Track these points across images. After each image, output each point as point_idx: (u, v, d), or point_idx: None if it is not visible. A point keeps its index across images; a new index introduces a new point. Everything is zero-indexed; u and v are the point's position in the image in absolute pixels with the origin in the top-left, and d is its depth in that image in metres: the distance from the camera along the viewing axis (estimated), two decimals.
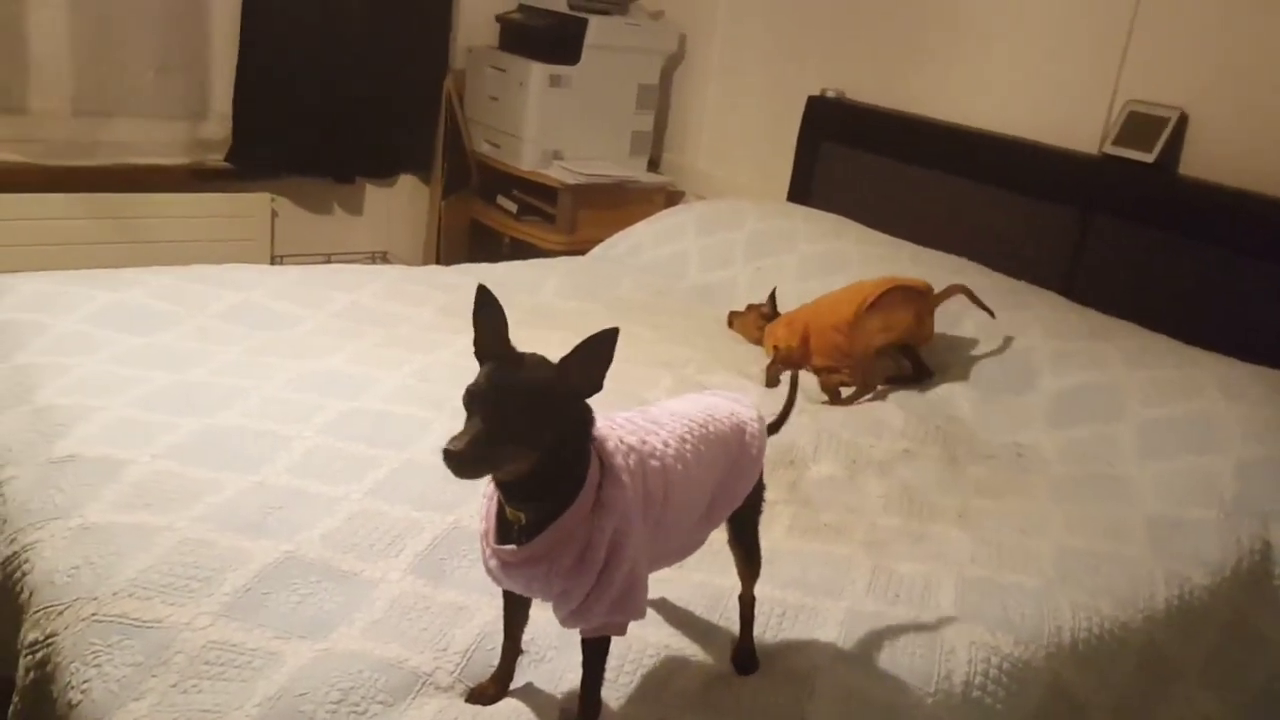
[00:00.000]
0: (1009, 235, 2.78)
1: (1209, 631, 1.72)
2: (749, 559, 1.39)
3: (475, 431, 1.03)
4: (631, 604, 1.17)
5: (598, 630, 1.18)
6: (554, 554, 1.12)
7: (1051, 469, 2.07)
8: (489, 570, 1.19)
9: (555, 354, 2.41)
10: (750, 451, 1.34)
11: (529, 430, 1.06)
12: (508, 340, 1.12)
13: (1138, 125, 2.58)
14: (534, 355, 1.12)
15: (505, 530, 1.15)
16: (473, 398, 1.07)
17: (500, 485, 1.13)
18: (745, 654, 1.38)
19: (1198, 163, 2.52)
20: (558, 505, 1.12)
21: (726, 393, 1.42)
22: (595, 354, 1.10)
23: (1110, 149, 2.61)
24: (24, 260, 2.96)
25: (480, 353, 1.12)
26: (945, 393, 2.31)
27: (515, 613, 1.27)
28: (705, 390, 1.51)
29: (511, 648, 1.29)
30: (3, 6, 3.09)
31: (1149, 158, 2.52)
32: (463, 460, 1.02)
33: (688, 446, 1.25)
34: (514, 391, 1.07)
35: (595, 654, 1.21)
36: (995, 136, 2.87)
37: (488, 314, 1.12)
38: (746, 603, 1.40)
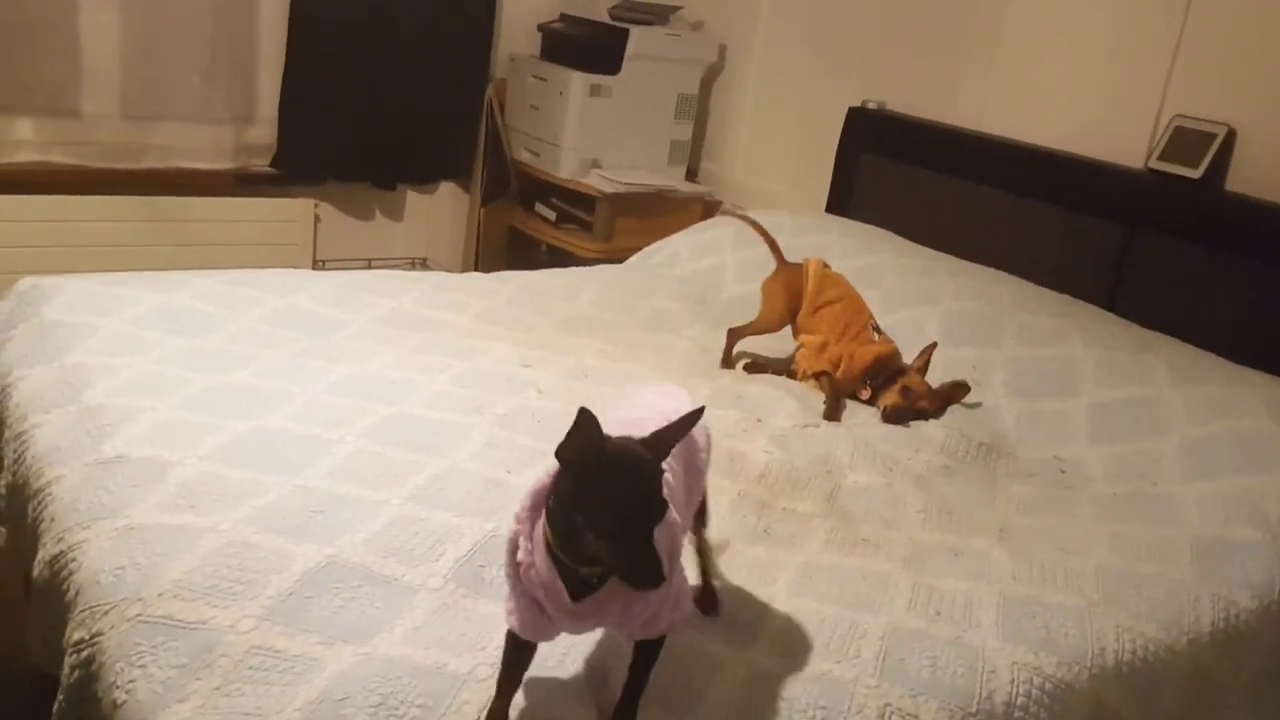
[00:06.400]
0: (1052, 250, 2.76)
1: (1255, 655, 1.70)
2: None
3: (655, 551, 1.06)
4: (685, 596, 1.23)
5: (663, 630, 1.21)
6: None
7: (1094, 486, 2.04)
8: (541, 630, 1.19)
9: (592, 361, 2.40)
10: (700, 450, 1.39)
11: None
12: (603, 437, 1.09)
13: (1184, 140, 2.55)
14: (630, 454, 1.10)
15: (578, 587, 1.14)
16: (634, 529, 1.07)
17: None
18: (708, 595, 1.46)
19: (1245, 179, 2.48)
20: None
21: (654, 386, 1.46)
22: (679, 429, 1.14)
23: (1156, 164, 2.58)
24: (73, 261, 3.02)
25: (571, 457, 1.09)
26: (989, 404, 2.29)
27: (524, 667, 1.25)
28: (629, 386, 1.52)
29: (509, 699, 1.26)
30: (57, 13, 3.15)
31: (1195, 173, 2.50)
32: (665, 577, 1.08)
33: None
34: (659, 498, 1.10)
35: (652, 653, 1.22)
36: (1039, 150, 2.85)
37: (588, 431, 1.08)
38: (703, 548, 1.47)
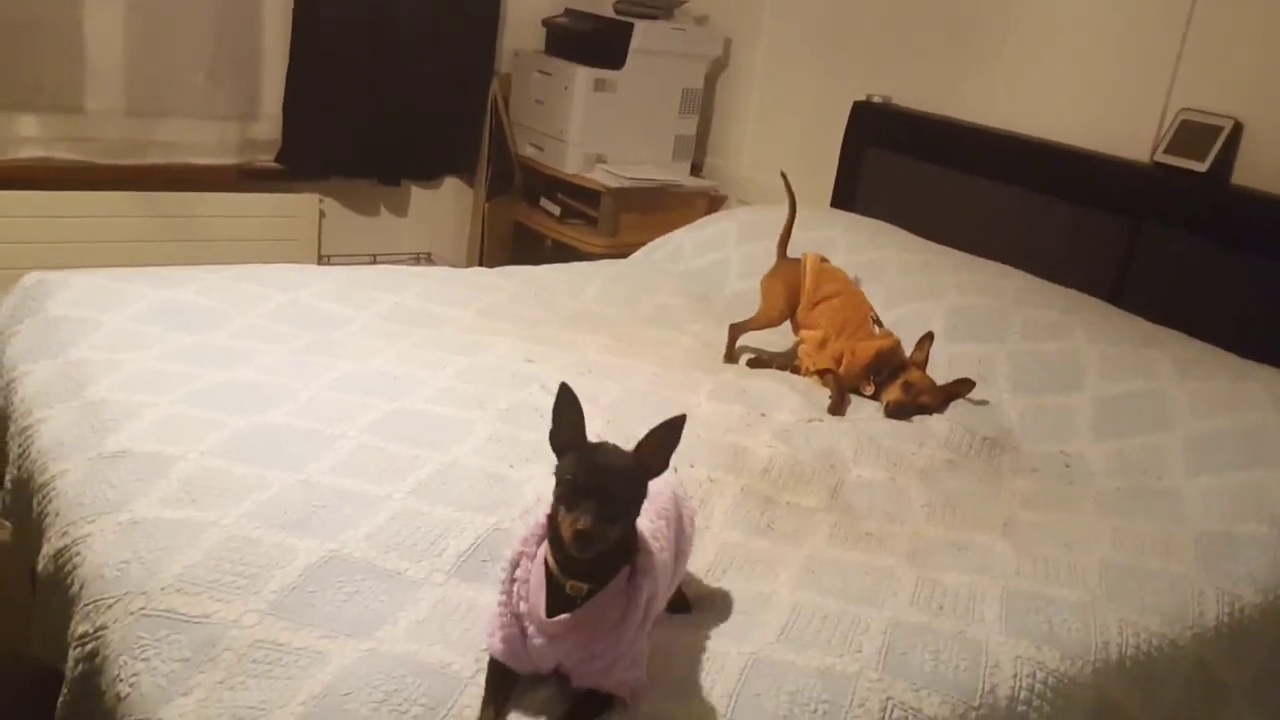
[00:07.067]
0: (1057, 244, 2.75)
1: (1259, 650, 1.69)
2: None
3: (594, 513, 1.15)
4: (642, 661, 1.25)
5: (614, 688, 1.23)
6: (604, 614, 1.20)
7: (1098, 481, 2.04)
8: (519, 654, 1.22)
9: (596, 357, 2.41)
10: (686, 528, 1.40)
11: (626, 509, 1.20)
12: (585, 433, 1.21)
13: (1190, 134, 2.54)
14: (608, 444, 1.22)
15: (560, 607, 1.20)
16: (577, 489, 1.16)
17: (587, 563, 1.19)
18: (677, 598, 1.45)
19: (1252, 172, 2.47)
20: (611, 571, 1.21)
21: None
22: (666, 438, 1.21)
23: (1162, 158, 2.57)
24: (78, 257, 3.02)
25: (559, 443, 1.22)
26: (993, 399, 2.29)
27: (506, 691, 1.26)
28: None
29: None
30: (61, 10, 3.15)
31: (1201, 167, 2.48)
32: (593, 538, 1.15)
33: (661, 524, 1.33)
34: (614, 478, 1.18)
35: (597, 708, 1.23)
36: (1045, 144, 2.84)
37: (569, 410, 1.21)
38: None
